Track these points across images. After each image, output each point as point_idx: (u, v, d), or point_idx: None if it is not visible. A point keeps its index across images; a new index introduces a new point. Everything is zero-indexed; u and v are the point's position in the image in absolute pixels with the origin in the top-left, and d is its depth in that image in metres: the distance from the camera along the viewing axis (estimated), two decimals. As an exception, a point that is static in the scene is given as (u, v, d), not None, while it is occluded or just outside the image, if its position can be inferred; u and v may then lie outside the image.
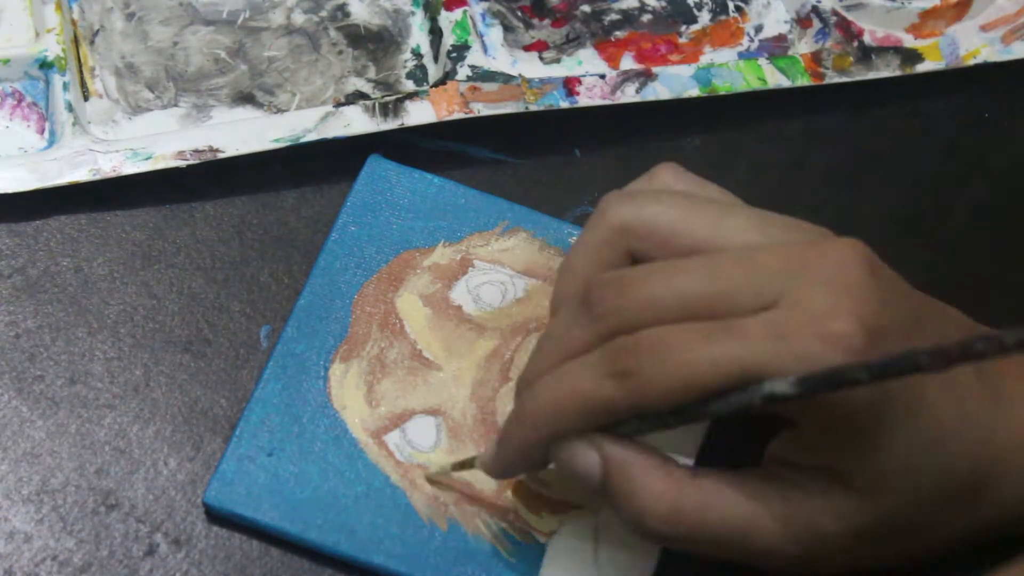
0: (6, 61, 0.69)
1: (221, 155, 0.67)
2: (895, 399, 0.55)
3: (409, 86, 0.72)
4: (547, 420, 0.56)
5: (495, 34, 0.72)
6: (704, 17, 0.74)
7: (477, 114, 0.69)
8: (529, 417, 0.57)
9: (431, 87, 0.69)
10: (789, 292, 0.54)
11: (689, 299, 0.55)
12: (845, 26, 0.73)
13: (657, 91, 0.70)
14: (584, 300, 0.56)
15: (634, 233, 0.58)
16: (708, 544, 0.57)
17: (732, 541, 0.57)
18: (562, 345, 0.57)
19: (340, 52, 0.72)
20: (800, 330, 0.54)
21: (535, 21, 0.73)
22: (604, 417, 0.55)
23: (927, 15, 0.73)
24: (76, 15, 0.72)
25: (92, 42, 0.72)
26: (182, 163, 0.67)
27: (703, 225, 0.57)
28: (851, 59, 0.72)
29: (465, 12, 0.71)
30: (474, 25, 0.71)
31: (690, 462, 0.63)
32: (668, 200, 0.58)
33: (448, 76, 0.70)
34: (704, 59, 0.73)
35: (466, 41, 0.71)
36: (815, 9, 0.73)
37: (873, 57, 0.72)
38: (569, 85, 0.70)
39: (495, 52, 0.72)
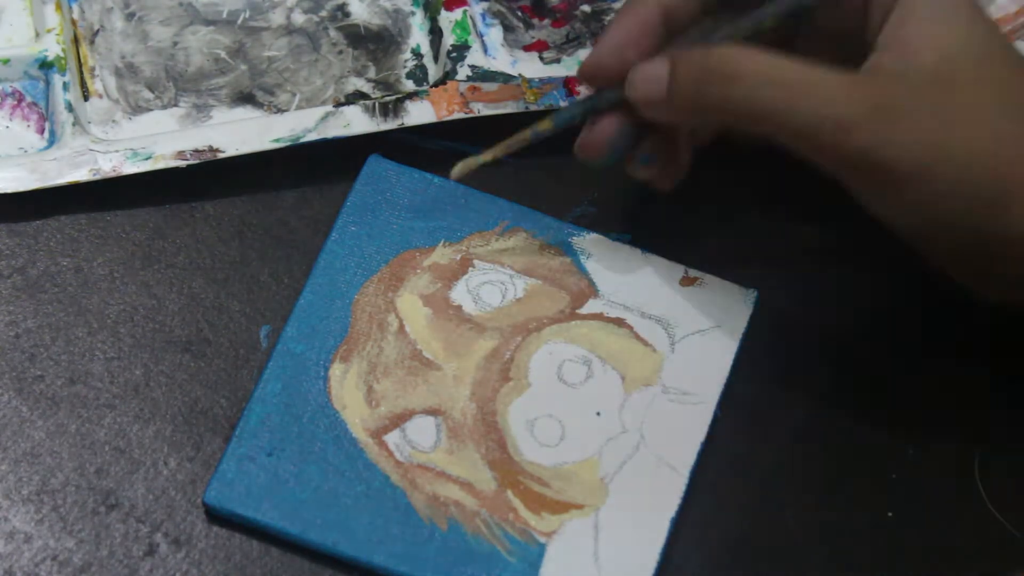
0: (6, 61, 0.69)
1: (221, 155, 0.67)
2: None
3: (409, 86, 0.72)
4: None
5: (495, 34, 0.72)
6: (704, 17, 0.74)
7: (477, 114, 0.69)
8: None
9: (431, 87, 0.69)
10: None
11: None
12: (845, 26, 0.73)
13: (657, 91, 0.70)
14: None
15: None
16: (773, 89, 0.59)
17: (797, 83, 0.58)
18: None
19: (340, 52, 0.72)
20: None
21: (535, 21, 0.73)
22: None
23: (927, 15, 0.73)
24: (76, 15, 0.72)
25: (92, 42, 0.72)
26: (182, 163, 0.67)
27: None
28: (851, 59, 0.72)
29: (465, 12, 0.71)
30: (474, 25, 0.71)
31: (687, 469, 0.63)
32: None
33: (448, 76, 0.70)
34: (704, 59, 0.73)
35: (466, 41, 0.71)
36: (815, 9, 0.73)
37: (873, 57, 0.72)
38: (569, 85, 0.70)
39: (495, 52, 0.72)
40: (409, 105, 0.69)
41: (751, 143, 0.64)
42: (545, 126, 0.64)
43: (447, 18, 0.71)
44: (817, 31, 0.63)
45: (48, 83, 0.70)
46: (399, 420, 0.64)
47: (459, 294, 0.66)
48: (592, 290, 0.67)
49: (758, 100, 0.59)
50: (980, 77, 0.59)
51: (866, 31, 0.61)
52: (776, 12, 0.62)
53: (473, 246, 0.67)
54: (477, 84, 0.69)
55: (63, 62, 0.69)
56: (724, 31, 0.62)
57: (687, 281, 0.67)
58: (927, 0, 0.60)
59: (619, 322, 0.66)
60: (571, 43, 0.73)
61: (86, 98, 0.70)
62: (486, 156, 0.65)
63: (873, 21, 0.61)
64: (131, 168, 0.67)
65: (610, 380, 0.65)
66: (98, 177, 0.67)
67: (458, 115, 0.68)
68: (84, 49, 0.71)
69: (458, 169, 0.65)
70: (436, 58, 0.72)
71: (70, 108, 0.68)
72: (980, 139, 0.58)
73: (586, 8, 0.74)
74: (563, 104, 0.69)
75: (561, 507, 0.62)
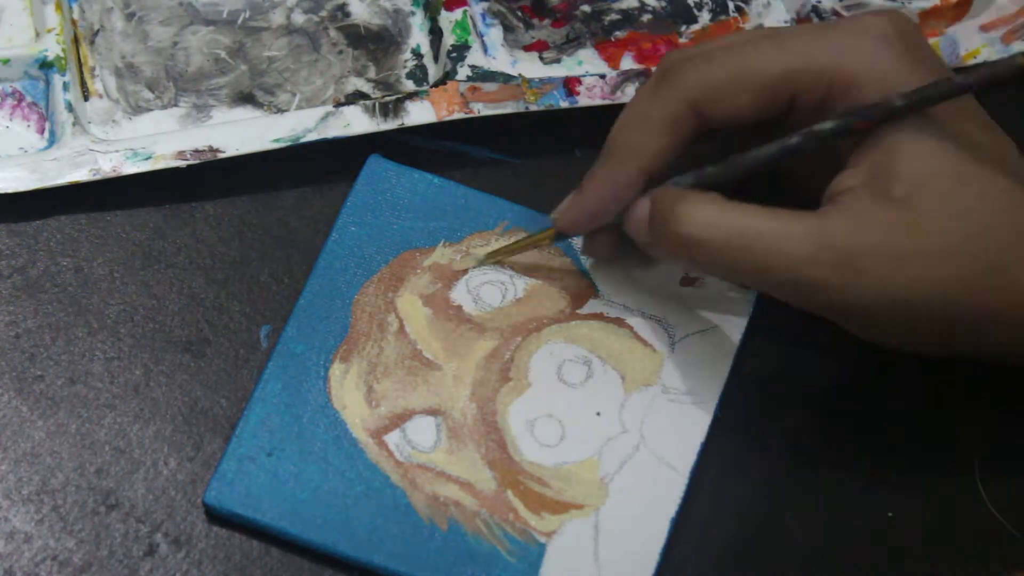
0: (6, 61, 0.69)
1: (221, 155, 0.67)
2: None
3: (409, 86, 0.72)
4: (622, 147, 0.62)
5: (495, 34, 0.72)
6: (704, 17, 0.74)
7: (477, 114, 0.69)
8: (607, 153, 0.62)
9: (431, 87, 0.69)
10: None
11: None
12: (845, 26, 0.73)
13: (657, 91, 0.70)
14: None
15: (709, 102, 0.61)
16: (739, 254, 0.58)
17: (762, 247, 0.58)
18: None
19: (340, 52, 0.72)
20: (836, 28, 0.60)
21: (535, 21, 0.73)
22: (661, 129, 0.61)
23: (927, 15, 0.73)
24: (76, 15, 0.72)
25: (92, 42, 0.72)
26: (182, 163, 0.67)
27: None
28: (851, 59, 0.72)
29: (465, 12, 0.71)
30: (474, 25, 0.71)
31: (687, 469, 0.63)
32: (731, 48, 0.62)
33: (448, 76, 0.70)
34: (704, 59, 0.73)
35: (466, 41, 0.71)
36: (815, 9, 0.73)
37: (873, 57, 0.72)
38: (569, 85, 0.70)
39: (495, 52, 0.72)
40: (409, 105, 0.69)
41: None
42: (545, 241, 0.66)
43: (447, 18, 0.71)
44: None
45: (48, 83, 0.70)
46: (399, 420, 0.64)
47: (459, 294, 0.66)
48: (592, 290, 0.67)
49: (725, 263, 0.59)
50: (949, 209, 0.58)
51: (837, 148, 0.61)
52: (763, 158, 0.61)
53: (473, 246, 0.67)
54: (477, 84, 0.69)
55: (63, 62, 0.69)
56: (697, 175, 0.62)
57: (687, 281, 0.67)
58: (899, 124, 0.59)
59: (619, 322, 0.66)
60: (571, 43, 0.73)
61: (86, 98, 0.70)
62: (491, 251, 0.67)
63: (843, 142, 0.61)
64: (131, 168, 0.67)
65: (610, 380, 0.65)
66: (98, 177, 0.67)
67: (458, 115, 0.68)
68: (84, 49, 0.71)
69: (469, 259, 0.66)
70: (436, 58, 0.72)
71: (70, 108, 0.68)
72: (951, 276, 0.58)
73: (586, 8, 0.74)
74: (563, 103, 0.69)
75: (561, 507, 0.62)
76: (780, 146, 0.61)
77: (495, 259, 0.66)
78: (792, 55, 0.60)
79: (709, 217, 0.59)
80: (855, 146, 0.60)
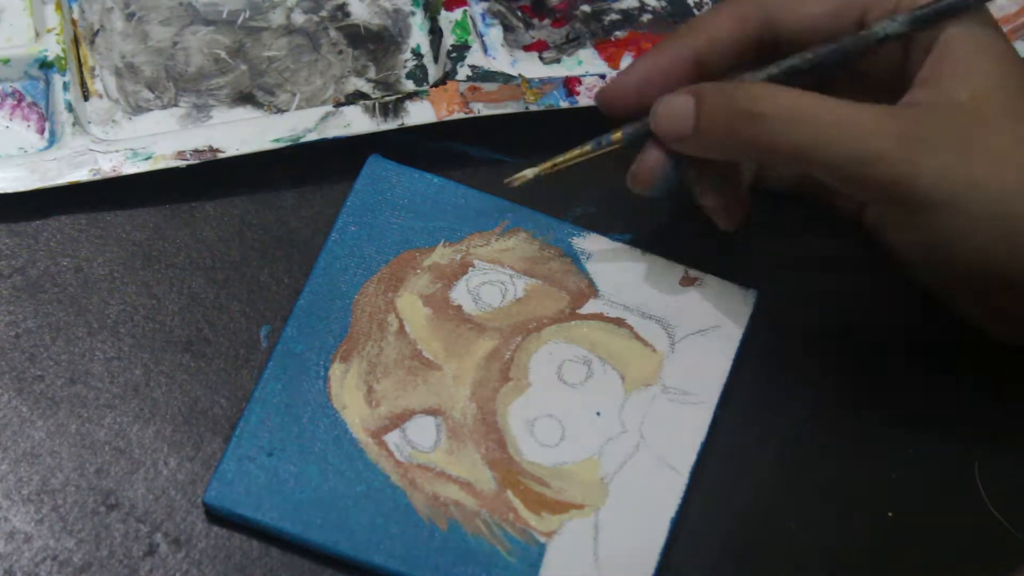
0: (6, 61, 0.69)
1: (221, 155, 0.67)
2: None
3: (409, 86, 0.72)
4: (682, 28, 0.63)
5: (495, 34, 0.72)
6: (704, 17, 0.74)
7: (477, 114, 0.69)
8: (665, 37, 0.63)
9: (431, 87, 0.69)
10: None
11: None
12: (845, 26, 0.73)
13: (657, 91, 0.70)
14: None
15: None
16: (805, 127, 0.59)
17: (831, 117, 0.58)
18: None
19: (340, 52, 0.72)
20: None
21: (535, 21, 0.73)
22: (727, 19, 0.62)
23: (927, 15, 0.73)
24: (76, 15, 0.72)
25: (92, 42, 0.72)
26: (182, 163, 0.67)
27: None
28: (851, 59, 0.72)
29: (465, 12, 0.71)
30: (474, 25, 0.71)
31: (687, 469, 0.63)
32: None
33: (448, 76, 0.70)
34: (704, 59, 0.73)
35: (466, 41, 0.71)
36: (815, 9, 0.73)
37: (873, 57, 0.72)
38: (569, 85, 0.70)
39: (495, 52, 0.72)
40: (409, 105, 0.69)
41: (783, 183, 0.66)
42: (606, 149, 0.65)
43: (447, 18, 0.71)
44: (854, 76, 0.63)
45: (48, 83, 0.70)
46: (399, 420, 0.64)
47: (459, 294, 0.66)
48: (592, 290, 0.67)
49: (786, 138, 0.59)
50: (1014, 114, 0.59)
51: (906, 71, 0.61)
52: (810, 59, 0.62)
53: (473, 246, 0.67)
54: (477, 84, 0.69)
55: (63, 62, 0.69)
56: (756, 75, 0.62)
57: (687, 281, 0.67)
58: (963, 41, 0.60)
59: (619, 322, 0.66)
60: (571, 43, 0.73)
61: (86, 98, 0.70)
62: (544, 167, 0.65)
63: (913, 62, 0.61)
64: (131, 168, 0.67)
65: (610, 380, 0.65)
66: (98, 177, 0.67)
67: (458, 115, 0.68)
68: (84, 49, 0.71)
69: (517, 179, 0.65)
70: (436, 58, 0.72)
71: (70, 108, 0.68)
72: (1011, 174, 0.58)
73: (586, 8, 0.74)
74: (563, 103, 0.69)
75: (561, 507, 0.62)
76: (858, 37, 0.61)
77: (548, 170, 0.65)
78: None
79: (769, 91, 0.60)
80: (919, 71, 0.61)
